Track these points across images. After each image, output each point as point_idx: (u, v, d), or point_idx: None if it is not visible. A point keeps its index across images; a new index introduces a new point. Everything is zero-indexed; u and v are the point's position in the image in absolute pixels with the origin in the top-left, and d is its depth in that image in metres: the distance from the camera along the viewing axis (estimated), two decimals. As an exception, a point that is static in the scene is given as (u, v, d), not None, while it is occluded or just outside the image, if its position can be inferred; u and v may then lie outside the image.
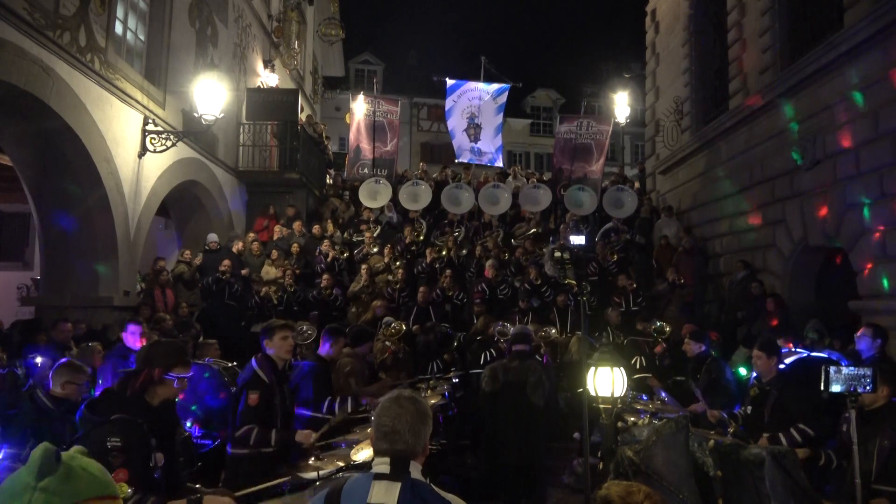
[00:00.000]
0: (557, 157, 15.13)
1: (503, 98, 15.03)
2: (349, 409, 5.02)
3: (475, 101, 14.87)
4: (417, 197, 13.39)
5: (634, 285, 10.03)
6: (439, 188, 13.81)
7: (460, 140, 14.99)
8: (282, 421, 4.21)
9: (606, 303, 9.73)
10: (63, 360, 4.65)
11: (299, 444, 4.12)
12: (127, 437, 2.65)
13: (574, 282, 9.32)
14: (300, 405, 4.80)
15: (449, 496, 2.00)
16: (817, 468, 4.05)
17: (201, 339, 8.05)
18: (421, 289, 9.59)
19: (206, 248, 11.20)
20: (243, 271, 10.82)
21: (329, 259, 11.09)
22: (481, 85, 15.01)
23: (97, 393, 4.11)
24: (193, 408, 5.74)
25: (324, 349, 5.34)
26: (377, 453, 2.06)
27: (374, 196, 13.31)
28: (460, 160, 15.37)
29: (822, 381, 3.35)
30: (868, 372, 3.30)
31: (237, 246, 11.45)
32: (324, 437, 4.58)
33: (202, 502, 2.77)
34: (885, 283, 7.34)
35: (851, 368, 3.42)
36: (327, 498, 2.03)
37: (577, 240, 9.22)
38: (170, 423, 3.07)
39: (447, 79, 14.92)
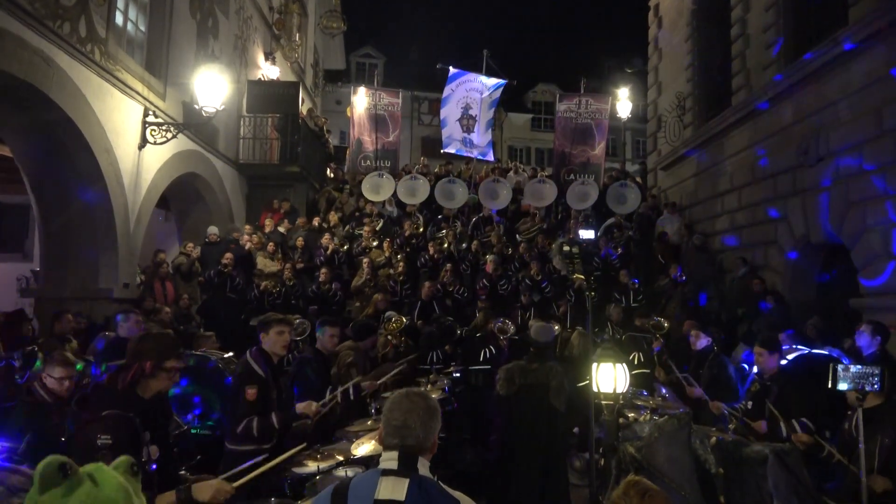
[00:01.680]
0: (559, 139, 15.09)
1: (498, 94, 14.96)
2: (351, 398, 5.04)
3: (473, 92, 14.78)
4: (415, 191, 13.35)
5: (636, 284, 10.01)
6: (438, 182, 13.77)
7: (451, 129, 14.72)
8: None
9: (607, 299, 9.70)
10: (53, 353, 4.58)
11: (304, 418, 4.14)
12: (117, 434, 2.62)
13: (582, 276, 9.26)
14: (298, 398, 4.79)
15: (456, 493, 1.99)
16: (818, 465, 4.03)
17: (201, 331, 8.05)
18: (426, 283, 9.57)
19: (206, 240, 11.18)
20: (256, 240, 10.81)
21: (328, 252, 11.07)
22: (483, 78, 14.92)
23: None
24: (195, 399, 5.73)
25: (319, 342, 5.34)
26: (386, 448, 2.04)
27: (377, 190, 13.28)
28: (447, 150, 14.99)
29: (830, 378, 3.32)
30: (876, 370, 3.28)
31: (246, 240, 11.42)
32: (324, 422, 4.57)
33: (191, 490, 2.73)
34: (887, 281, 7.33)
35: (859, 367, 3.40)
36: (334, 494, 2.01)
37: (587, 234, 9.16)
38: (163, 415, 3.05)
39: (450, 67, 14.82)
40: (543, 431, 4.86)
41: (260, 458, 3.45)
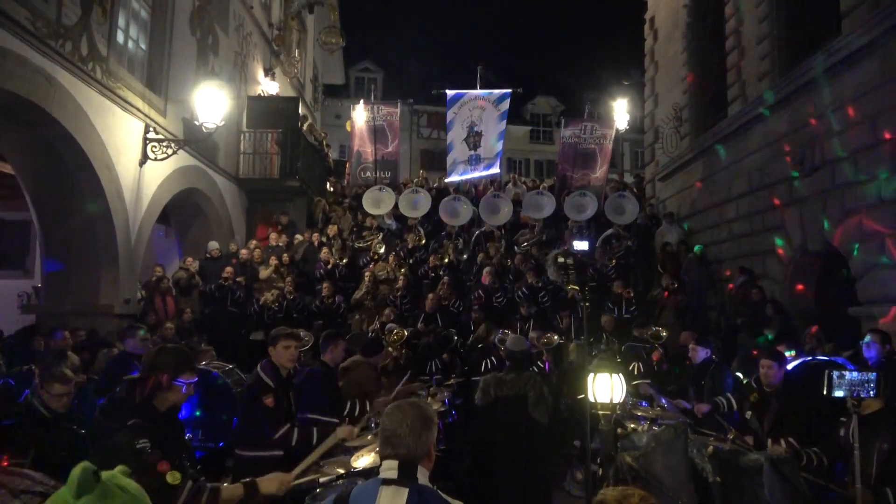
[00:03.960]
0: (562, 163, 15.25)
1: (506, 105, 15.04)
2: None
3: (476, 109, 14.89)
4: (417, 205, 13.42)
5: (631, 294, 10.01)
6: (439, 196, 13.84)
7: (458, 153, 14.93)
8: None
9: (602, 309, 9.71)
10: (47, 368, 4.59)
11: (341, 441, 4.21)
12: (151, 439, 2.72)
13: (577, 287, 9.31)
14: (303, 409, 4.82)
15: (456, 502, 2.00)
16: (815, 472, 4.03)
17: (203, 345, 8.06)
18: (429, 296, 9.62)
19: (208, 255, 11.22)
20: (239, 278, 10.84)
21: (329, 266, 11.10)
22: (482, 92, 15.03)
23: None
24: (198, 413, 5.74)
25: (325, 355, 5.36)
26: (383, 458, 2.07)
27: (377, 204, 13.34)
28: (450, 180, 15.28)
29: (825, 385, 3.33)
30: (871, 377, 3.29)
31: (244, 255, 11.45)
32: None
33: (256, 483, 2.94)
34: (884, 289, 7.35)
35: (854, 373, 3.40)
36: (335, 503, 2.04)
37: (581, 245, 9.20)
38: (175, 428, 3.09)
39: (447, 90, 14.93)
40: (523, 443, 4.81)
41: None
